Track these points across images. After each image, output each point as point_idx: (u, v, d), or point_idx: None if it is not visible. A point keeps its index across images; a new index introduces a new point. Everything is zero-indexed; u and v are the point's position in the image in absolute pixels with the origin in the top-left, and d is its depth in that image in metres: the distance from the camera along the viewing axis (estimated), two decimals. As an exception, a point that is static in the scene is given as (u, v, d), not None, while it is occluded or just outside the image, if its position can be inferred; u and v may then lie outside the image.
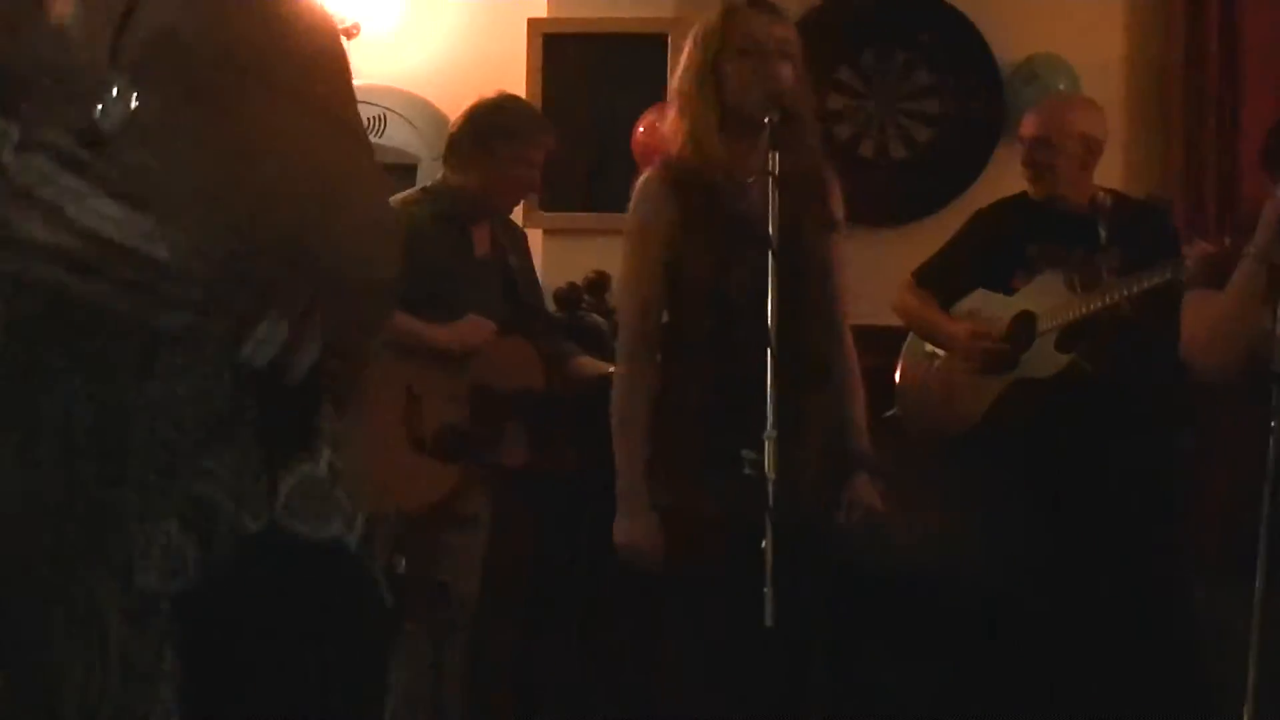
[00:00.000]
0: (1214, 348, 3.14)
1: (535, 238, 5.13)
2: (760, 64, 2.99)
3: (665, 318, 3.13)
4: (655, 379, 3.11)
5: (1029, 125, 4.10)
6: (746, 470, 2.80)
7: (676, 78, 3.12)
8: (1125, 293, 3.78)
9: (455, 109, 4.08)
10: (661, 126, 3.21)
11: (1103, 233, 3.92)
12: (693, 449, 3.04)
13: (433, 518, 3.78)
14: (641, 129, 4.88)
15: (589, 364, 4.02)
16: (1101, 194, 4.01)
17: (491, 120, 3.83)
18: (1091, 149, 4.03)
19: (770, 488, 2.74)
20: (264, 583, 1.44)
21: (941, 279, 4.09)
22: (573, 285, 4.75)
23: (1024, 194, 4.11)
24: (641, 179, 3.10)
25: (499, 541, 4.01)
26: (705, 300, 3.04)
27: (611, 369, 3.35)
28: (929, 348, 4.18)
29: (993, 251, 4.06)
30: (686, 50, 3.11)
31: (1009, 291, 4.01)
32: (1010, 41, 5.05)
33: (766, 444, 2.74)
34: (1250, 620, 2.93)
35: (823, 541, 3.12)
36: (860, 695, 3.93)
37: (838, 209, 3.20)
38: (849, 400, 3.23)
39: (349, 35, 5.31)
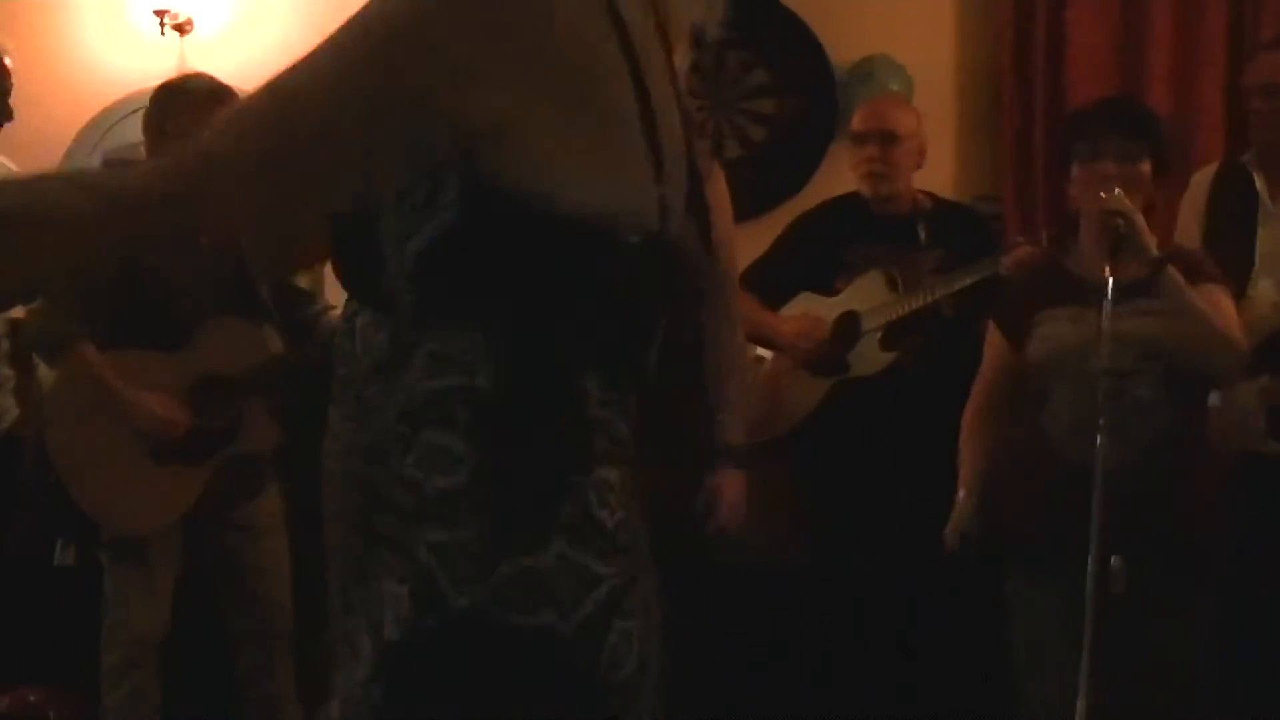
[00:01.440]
0: None
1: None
2: None
3: None
4: None
5: (864, 120, 4.10)
6: None
7: None
8: (944, 291, 3.84)
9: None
10: None
11: (922, 233, 3.98)
12: None
13: (213, 525, 3.70)
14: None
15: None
16: (921, 195, 4.09)
17: (161, 100, 3.66)
18: (921, 148, 4.09)
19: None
20: (456, 658, 1.47)
21: (765, 281, 4.08)
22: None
23: (850, 195, 4.13)
24: None
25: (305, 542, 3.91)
26: None
27: None
28: (757, 349, 4.19)
29: (815, 253, 4.09)
30: None
31: (833, 293, 4.04)
32: (844, 43, 5.11)
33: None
34: (1085, 617, 2.95)
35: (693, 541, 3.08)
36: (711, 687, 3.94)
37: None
38: (727, 380, 3.05)
39: (182, 31, 5.21)
